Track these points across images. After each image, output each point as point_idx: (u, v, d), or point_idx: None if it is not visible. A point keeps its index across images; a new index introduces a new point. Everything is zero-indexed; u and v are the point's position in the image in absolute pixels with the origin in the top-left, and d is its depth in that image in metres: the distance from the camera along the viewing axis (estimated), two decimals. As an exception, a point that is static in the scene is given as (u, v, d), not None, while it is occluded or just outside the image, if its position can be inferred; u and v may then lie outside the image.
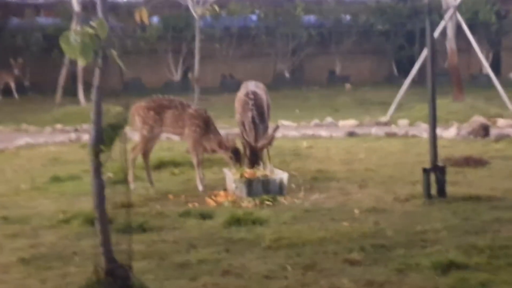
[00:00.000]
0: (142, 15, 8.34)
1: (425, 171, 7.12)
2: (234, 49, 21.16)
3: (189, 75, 11.01)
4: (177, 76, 20.67)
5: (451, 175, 7.80)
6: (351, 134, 11.92)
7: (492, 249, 5.27)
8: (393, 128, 12.51)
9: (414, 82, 14.80)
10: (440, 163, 7.44)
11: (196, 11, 9.95)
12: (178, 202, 7.18)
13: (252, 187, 7.20)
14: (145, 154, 8.06)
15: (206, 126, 7.84)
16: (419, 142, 11.01)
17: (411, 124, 13.08)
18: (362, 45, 22.48)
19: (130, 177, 7.87)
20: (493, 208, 6.58)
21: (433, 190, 7.12)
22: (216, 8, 10.35)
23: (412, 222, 6.20)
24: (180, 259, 5.24)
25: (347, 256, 5.25)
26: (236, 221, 6.18)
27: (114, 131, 4.31)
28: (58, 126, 12.83)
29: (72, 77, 16.53)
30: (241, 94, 8.25)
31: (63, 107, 14.52)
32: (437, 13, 15.74)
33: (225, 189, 7.55)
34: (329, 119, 13.47)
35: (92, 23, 4.12)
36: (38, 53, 19.54)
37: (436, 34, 13.52)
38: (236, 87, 19.61)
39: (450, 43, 14.32)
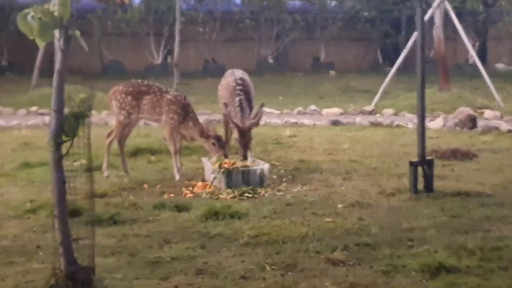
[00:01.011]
0: None
1: (412, 164, 6.83)
2: (217, 33, 20.74)
3: (169, 59, 10.58)
4: (158, 60, 20.22)
5: (438, 168, 7.53)
6: (335, 123, 11.61)
7: (483, 250, 4.98)
8: (378, 118, 12.22)
9: (399, 70, 14.52)
10: (427, 156, 7.16)
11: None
12: (153, 192, 6.83)
13: (232, 178, 6.87)
14: (121, 141, 7.70)
15: (185, 113, 7.49)
16: (405, 133, 10.74)
17: (396, 113, 12.80)
18: (348, 32, 22.15)
19: (105, 164, 7.53)
20: (482, 205, 6.30)
21: (420, 185, 6.84)
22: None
23: (398, 218, 5.91)
24: (152, 256, 4.90)
25: (329, 255, 4.94)
26: (213, 214, 5.84)
27: (77, 120, 3.94)
28: (33, 108, 12.40)
29: (51, 58, 16.05)
30: (228, 81, 7.93)
31: (40, 89, 14.05)
32: (425, 0, 15.46)
33: (203, 180, 7.21)
34: (312, 107, 13.15)
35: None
36: (17, 32, 18.92)
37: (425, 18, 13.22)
38: (219, 71, 19.18)
39: (438, 31, 14.02)
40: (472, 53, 14.99)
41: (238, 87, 7.64)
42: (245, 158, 7.26)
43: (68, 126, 3.96)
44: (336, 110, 12.99)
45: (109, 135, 7.72)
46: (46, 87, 14.38)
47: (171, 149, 7.50)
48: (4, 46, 19.17)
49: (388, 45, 22.16)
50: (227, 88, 7.75)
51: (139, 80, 7.93)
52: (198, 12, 20.34)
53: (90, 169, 4.38)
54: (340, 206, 6.33)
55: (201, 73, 19.98)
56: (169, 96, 7.55)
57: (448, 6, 13.99)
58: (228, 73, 8.19)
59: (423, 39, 6.82)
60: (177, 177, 7.34)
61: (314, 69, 21.51)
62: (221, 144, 7.39)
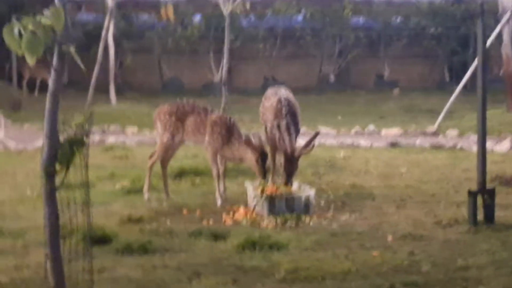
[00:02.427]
0: (168, 11, 7.52)
1: (471, 194, 6.28)
2: (278, 50, 20.40)
3: (216, 77, 10.29)
4: (217, 77, 20.01)
5: (501, 196, 6.96)
6: (393, 145, 11.06)
7: (546, 294, 4.43)
8: (440, 139, 11.60)
9: (466, 89, 13.82)
10: (489, 186, 6.60)
11: (226, 9, 9.27)
12: (192, 218, 6.49)
13: (275, 204, 6.47)
14: (164, 162, 7.43)
15: (229, 134, 7.13)
16: (468, 156, 10.09)
17: (460, 135, 12.15)
18: (413, 49, 21.44)
19: (145, 187, 7.26)
20: (548, 240, 5.71)
21: (480, 215, 6.28)
22: (247, 5, 9.65)
23: (453, 254, 5.38)
24: (178, 292, 4.54)
25: (373, 295, 4.48)
26: (251, 244, 5.46)
27: (72, 147, 3.61)
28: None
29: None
30: (271, 101, 7.46)
31: (94, 107, 13.99)
32: (493, 16, 14.75)
33: (246, 205, 6.83)
34: (371, 127, 12.62)
35: (47, 13, 3.44)
36: (78, 49, 19.10)
37: (491, 39, 12.57)
38: (279, 89, 18.85)
39: (506, 49, 13.30)
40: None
41: (284, 109, 7.19)
42: (286, 185, 6.84)
43: (62, 154, 3.60)
44: (396, 130, 12.43)
45: (151, 156, 7.45)
46: (100, 104, 14.42)
47: (214, 172, 7.16)
48: (64, 63, 19.29)
49: (455, 62, 21.33)
50: (270, 109, 7.32)
51: (184, 100, 7.65)
52: (259, 29, 20.06)
53: (87, 201, 4.00)
54: (390, 238, 5.85)
55: (260, 90, 19.55)
56: (213, 117, 7.22)
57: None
58: (271, 92, 7.71)
59: (485, 56, 6.31)
60: (219, 202, 6.99)
61: (377, 87, 20.88)
62: (265, 160, 6.92)
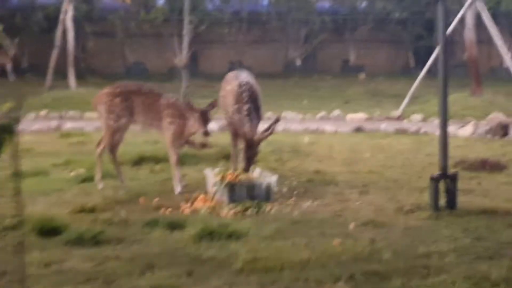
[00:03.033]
0: None
1: (433, 179, 6.17)
2: (243, 34, 20.21)
3: (176, 60, 10.05)
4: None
5: (464, 181, 6.89)
6: (358, 130, 10.98)
7: (508, 282, 4.33)
8: (404, 124, 11.55)
9: (430, 73, 13.79)
10: (451, 171, 6.50)
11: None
12: (148, 207, 6.27)
13: (235, 192, 6.29)
14: (113, 148, 7.07)
15: (185, 116, 6.85)
16: (432, 140, 10.00)
17: (424, 119, 12.12)
18: (378, 34, 21.46)
19: (97, 176, 7.00)
20: (511, 226, 5.63)
21: (443, 201, 6.18)
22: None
23: (414, 241, 5.26)
24: (129, 285, 4.34)
25: (332, 286, 4.33)
26: (208, 234, 5.26)
27: (2, 135, 3.39)
28: (43, 112, 11.97)
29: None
30: (232, 85, 7.23)
31: (53, 92, 13.67)
32: (457, 1, 14.72)
33: (205, 192, 6.64)
34: (336, 112, 12.52)
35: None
36: (38, 33, 18.72)
37: (454, 23, 12.52)
38: (244, 74, 18.65)
39: (469, 34, 13.27)
40: (506, 56, 14.17)
41: (245, 93, 6.98)
42: (246, 171, 6.66)
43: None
44: (361, 115, 12.36)
45: (99, 143, 7.15)
46: (61, 89, 14.09)
47: (173, 158, 6.95)
48: (25, 47, 18.88)
49: (421, 47, 21.34)
50: (232, 94, 7.10)
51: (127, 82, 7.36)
52: (224, 13, 19.83)
53: (18, 191, 3.78)
54: (351, 225, 5.71)
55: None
56: (163, 101, 6.93)
57: (481, 7, 13.22)
58: (231, 76, 7.46)
59: (445, 40, 6.19)
60: (177, 189, 6.79)
61: (343, 72, 20.86)
62: (206, 119, 6.67)
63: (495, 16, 14.64)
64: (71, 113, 11.86)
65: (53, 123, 10.62)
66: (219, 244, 5.13)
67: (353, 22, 21.10)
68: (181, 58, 9.19)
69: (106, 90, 7.09)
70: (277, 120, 6.98)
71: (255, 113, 6.94)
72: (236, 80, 7.16)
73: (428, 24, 21.18)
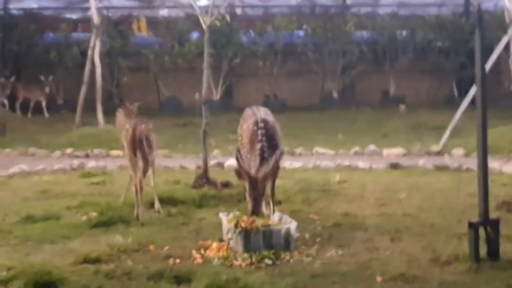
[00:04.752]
0: (141, 25, 6.84)
1: (472, 225, 5.53)
2: (278, 66, 19.75)
3: (196, 95, 9.62)
4: (216, 95, 19.37)
5: (508, 225, 6.21)
6: (394, 166, 10.31)
7: None
8: (445, 160, 10.83)
9: (474, 105, 13.06)
10: (494, 214, 5.86)
11: (204, 22, 8.61)
12: (157, 255, 5.77)
13: (250, 239, 5.73)
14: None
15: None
16: (474, 179, 9.21)
17: (467, 154, 11.38)
18: (420, 64, 20.70)
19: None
20: (561, 281, 4.95)
21: (483, 250, 5.53)
22: (227, 17, 8.98)
23: (450, 300, 4.64)
24: None
25: None
26: (216, 290, 4.73)
27: None
28: (69, 150, 11.62)
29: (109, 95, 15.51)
30: (248, 123, 6.76)
31: (82, 129, 13.36)
32: (501, 28, 14.03)
33: (220, 240, 6.10)
34: (371, 147, 11.88)
35: None
36: (74, 69, 18.55)
37: (497, 50, 11.84)
38: (280, 107, 18.11)
39: (514, 62, 12.56)
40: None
41: (260, 132, 6.48)
42: (253, 214, 6.08)
43: None
44: (398, 150, 11.69)
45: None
46: (89, 127, 13.77)
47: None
48: (60, 84, 18.74)
49: (464, 77, 20.53)
50: (247, 132, 6.60)
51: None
52: (258, 45, 19.43)
53: None
54: (379, 279, 5.11)
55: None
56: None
57: (526, 34, 12.53)
58: (248, 114, 6.99)
59: (483, 69, 5.63)
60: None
61: (383, 104, 20.14)
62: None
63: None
64: (96, 151, 11.49)
65: (76, 162, 10.25)
66: (226, 303, 4.59)
67: (393, 51, 20.42)
68: (200, 93, 8.73)
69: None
70: (281, 153, 6.45)
71: (270, 151, 6.41)
72: (252, 118, 6.67)
73: (472, 53, 20.25)
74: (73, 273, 5.20)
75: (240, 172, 6.29)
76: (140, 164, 7.08)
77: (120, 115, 7.90)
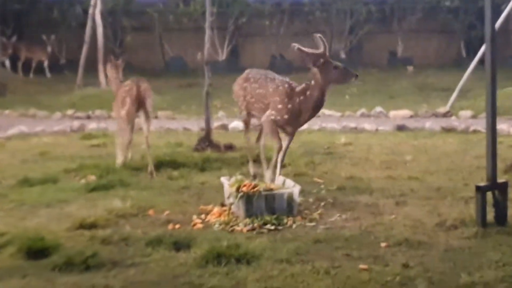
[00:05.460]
0: None
1: (479, 189, 5.37)
2: (285, 26, 19.44)
3: (199, 55, 9.41)
4: (222, 56, 19.12)
5: (516, 189, 6.04)
6: (400, 128, 10.15)
7: None
8: (452, 121, 10.66)
9: (482, 65, 12.80)
10: (502, 178, 5.69)
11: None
12: (157, 220, 5.64)
13: (252, 204, 5.59)
14: None
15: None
16: (482, 140, 9.00)
17: (474, 116, 11.19)
18: (428, 24, 20.37)
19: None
20: None
21: (490, 215, 5.38)
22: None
23: (455, 267, 4.50)
24: (111, 324, 3.71)
25: (351, 326, 3.62)
26: (216, 257, 4.60)
27: None
28: (70, 112, 11.48)
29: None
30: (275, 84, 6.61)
31: (84, 90, 13.19)
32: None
33: (222, 204, 5.97)
34: (378, 109, 11.70)
35: None
36: (77, 28, 18.29)
37: (507, 11, 11.56)
38: (287, 68, 17.83)
39: (525, 22, 12.25)
40: None
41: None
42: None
43: None
44: (405, 112, 11.52)
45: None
46: (91, 87, 13.60)
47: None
48: (63, 43, 18.50)
49: (473, 37, 20.19)
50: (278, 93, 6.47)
51: None
52: (265, 4, 19.11)
53: None
54: (383, 244, 4.97)
55: (268, 69, 18.72)
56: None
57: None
58: (261, 74, 6.86)
59: (493, 29, 5.40)
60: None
61: (391, 65, 19.88)
62: None
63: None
64: (98, 112, 11.34)
65: (76, 124, 10.11)
66: (226, 269, 4.47)
67: (401, 11, 20.11)
68: (203, 53, 8.52)
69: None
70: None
71: None
72: (275, 79, 6.56)
73: (481, 12, 19.86)
74: (68, 238, 5.08)
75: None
76: (143, 120, 7.28)
77: (111, 70, 7.80)
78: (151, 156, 7.23)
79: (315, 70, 6.21)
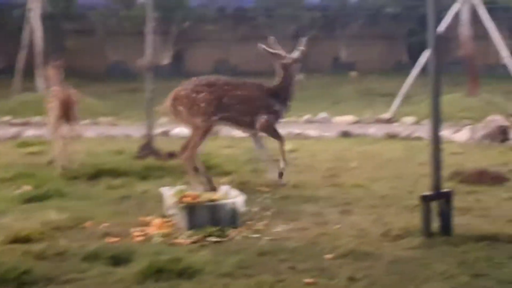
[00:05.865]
0: None
1: (424, 198, 5.33)
2: (229, 32, 19.35)
3: (138, 61, 9.23)
4: (166, 60, 18.88)
5: (460, 196, 6.08)
6: (345, 134, 10.13)
7: None
8: (395, 127, 10.70)
9: (426, 71, 12.91)
10: (446, 186, 5.66)
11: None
12: (94, 233, 5.41)
13: (195, 216, 5.42)
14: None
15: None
16: (425, 147, 9.05)
17: (417, 122, 11.26)
18: (370, 29, 20.58)
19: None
20: (515, 256, 4.79)
21: (436, 224, 5.34)
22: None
23: (402, 279, 4.42)
24: None
25: None
26: (156, 272, 4.41)
27: None
28: (6, 118, 11.09)
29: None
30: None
31: (23, 95, 12.79)
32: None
33: (163, 215, 5.78)
34: (322, 114, 11.67)
35: None
36: (16, 32, 17.77)
37: (448, 18, 11.69)
38: (231, 73, 17.76)
39: (463, 29, 12.43)
40: (504, 53, 13.34)
41: None
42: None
43: None
44: (349, 118, 11.52)
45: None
46: (29, 93, 13.21)
47: None
48: (0, 47, 17.97)
49: (415, 43, 20.44)
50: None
51: None
52: (208, 9, 18.97)
53: None
54: (328, 256, 4.86)
55: (212, 74, 18.56)
56: None
57: (476, 1, 12.38)
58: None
59: (436, 37, 5.39)
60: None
61: (334, 70, 20.00)
62: None
63: (491, 11, 13.79)
64: (37, 118, 10.98)
65: (13, 130, 9.75)
66: (167, 285, 4.30)
67: (344, 17, 20.25)
68: (143, 59, 8.33)
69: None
70: None
71: None
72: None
73: (422, 19, 20.10)
74: (1, 253, 4.82)
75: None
76: (68, 128, 7.39)
77: (52, 71, 7.60)
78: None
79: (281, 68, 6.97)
